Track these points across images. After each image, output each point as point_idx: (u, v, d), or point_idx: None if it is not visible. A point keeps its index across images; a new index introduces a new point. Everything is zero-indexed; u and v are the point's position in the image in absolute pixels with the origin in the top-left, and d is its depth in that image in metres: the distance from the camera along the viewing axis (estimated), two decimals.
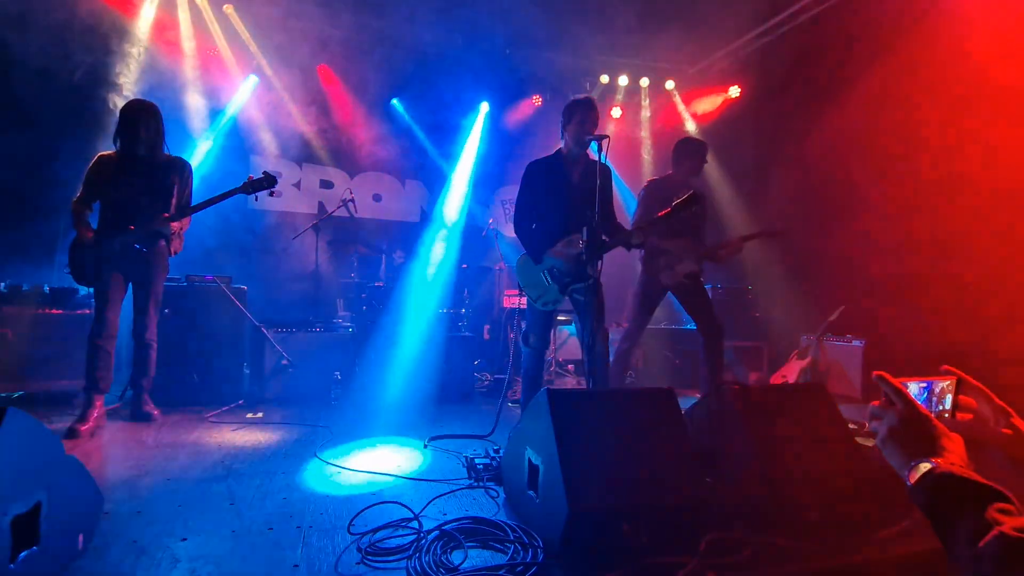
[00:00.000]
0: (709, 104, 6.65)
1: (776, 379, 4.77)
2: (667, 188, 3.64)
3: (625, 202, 6.71)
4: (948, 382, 0.93)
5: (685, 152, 3.79)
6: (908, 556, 1.75)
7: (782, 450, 1.95)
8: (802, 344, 4.83)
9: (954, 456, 0.83)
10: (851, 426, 2.28)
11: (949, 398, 0.92)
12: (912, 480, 0.83)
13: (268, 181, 3.38)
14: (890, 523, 1.87)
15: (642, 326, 3.93)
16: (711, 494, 1.84)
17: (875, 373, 0.94)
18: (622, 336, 3.99)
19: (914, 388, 0.97)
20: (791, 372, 4.65)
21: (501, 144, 6.99)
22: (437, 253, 6.79)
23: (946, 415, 0.92)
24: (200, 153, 5.48)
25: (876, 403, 0.94)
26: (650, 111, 7.05)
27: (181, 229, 3.38)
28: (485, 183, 7.18)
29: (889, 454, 0.89)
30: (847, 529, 1.87)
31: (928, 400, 0.96)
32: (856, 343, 4.63)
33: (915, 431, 0.87)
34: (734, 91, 6.44)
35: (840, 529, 1.86)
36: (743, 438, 1.98)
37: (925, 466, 0.82)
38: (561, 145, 3.24)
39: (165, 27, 5.05)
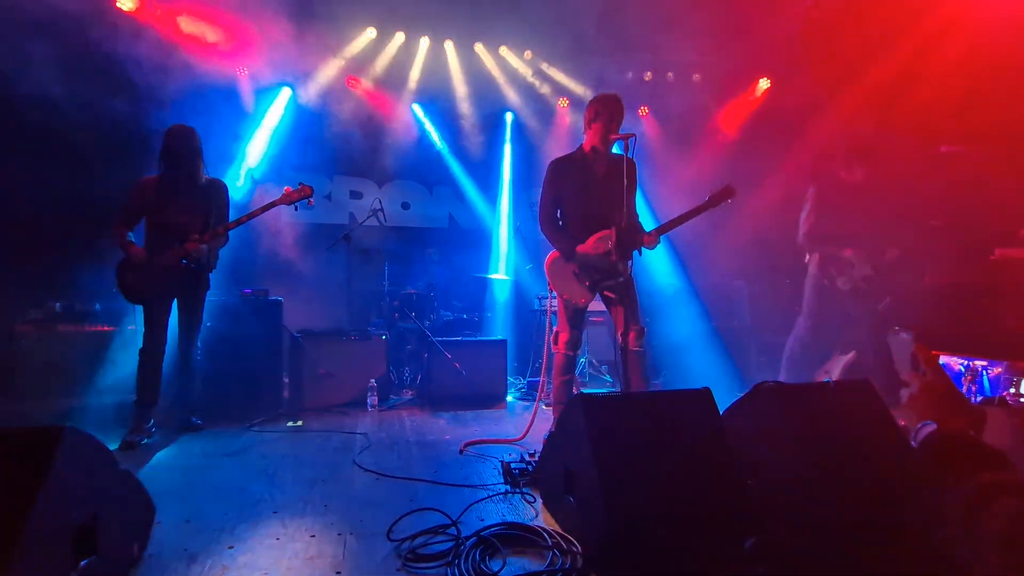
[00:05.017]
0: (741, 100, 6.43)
1: (819, 376, 4.62)
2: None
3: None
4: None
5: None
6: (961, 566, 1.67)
7: (825, 451, 1.89)
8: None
9: (962, 423, 0.87)
10: (901, 423, 2.19)
11: None
12: (916, 441, 0.89)
13: (304, 191, 3.48)
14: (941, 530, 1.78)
15: (815, 329, 4.07)
16: (751, 497, 1.79)
17: (916, 345, 1.03)
18: (793, 336, 4.16)
19: (955, 363, 1.00)
20: (835, 368, 4.49)
21: (527, 146, 7.00)
22: (467, 257, 6.85)
23: (1021, 399, 0.94)
24: (234, 171, 5.66)
25: (910, 373, 1.00)
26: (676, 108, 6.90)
27: (218, 247, 3.51)
28: (512, 186, 7.20)
29: (908, 417, 0.96)
30: (895, 535, 1.80)
31: (970, 377, 0.98)
32: (905, 335, 4.44)
33: (931, 398, 0.92)
34: (763, 83, 6.26)
35: (888, 535, 1.79)
36: (784, 439, 1.93)
37: (928, 428, 0.89)
38: (584, 142, 3.20)
39: (195, 43, 5.19)
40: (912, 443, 0.90)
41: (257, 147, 5.89)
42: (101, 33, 4.42)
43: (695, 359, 5.06)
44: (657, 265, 5.99)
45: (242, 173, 5.75)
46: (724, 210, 3.09)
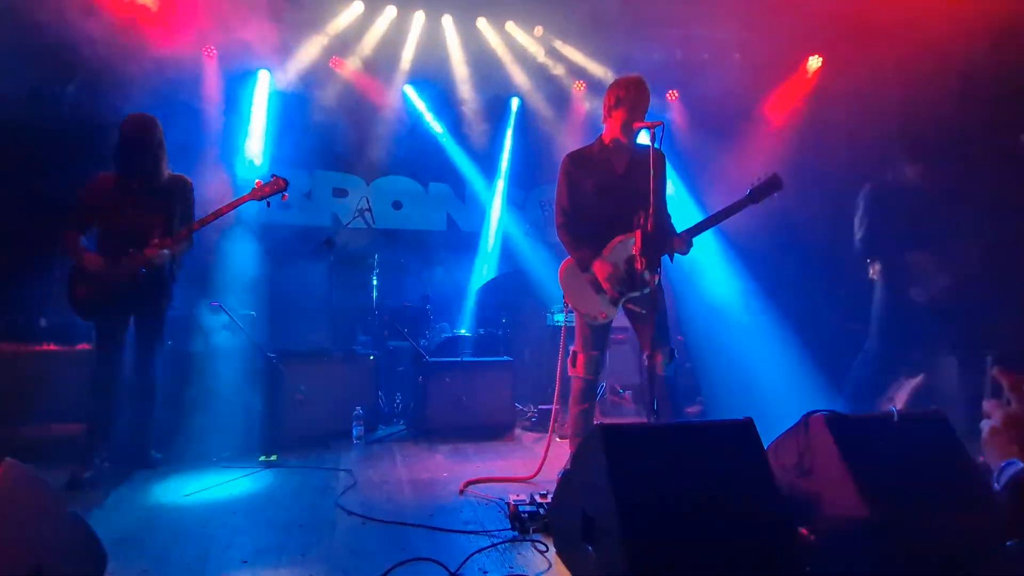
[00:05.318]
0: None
1: (884, 404, 4.57)
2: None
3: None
4: None
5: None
6: None
7: (890, 494, 1.85)
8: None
9: None
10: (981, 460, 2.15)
11: None
12: (999, 483, 0.87)
13: (278, 185, 3.50)
14: None
15: (887, 350, 3.99)
16: (804, 548, 1.77)
17: (996, 370, 1.03)
18: (860, 359, 4.08)
19: None
20: (900, 395, 4.44)
21: (537, 136, 7.01)
22: (468, 264, 6.86)
23: None
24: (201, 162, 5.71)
25: (990, 402, 1.02)
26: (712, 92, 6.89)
27: (181, 252, 3.52)
28: (520, 183, 7.21)
29: (988, 454, 0.95)
30: None
31: None
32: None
33: (1017, 432, 0.93)
34: (814, 62, 6.24)
35: None
36: (840, 479, 1.90)
37: (1014, 468, 0.90)
38: (604, 132, 3.21)
39: (159, 22, 5.24)
40: (995, 485, 0.88)
41: (234, 138, 5.95)
42: (48, 12, 4.47)
43: (740, 379, 5.02)
44: (703, 268, 5.95)
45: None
46: (768, 209, 3.06)
